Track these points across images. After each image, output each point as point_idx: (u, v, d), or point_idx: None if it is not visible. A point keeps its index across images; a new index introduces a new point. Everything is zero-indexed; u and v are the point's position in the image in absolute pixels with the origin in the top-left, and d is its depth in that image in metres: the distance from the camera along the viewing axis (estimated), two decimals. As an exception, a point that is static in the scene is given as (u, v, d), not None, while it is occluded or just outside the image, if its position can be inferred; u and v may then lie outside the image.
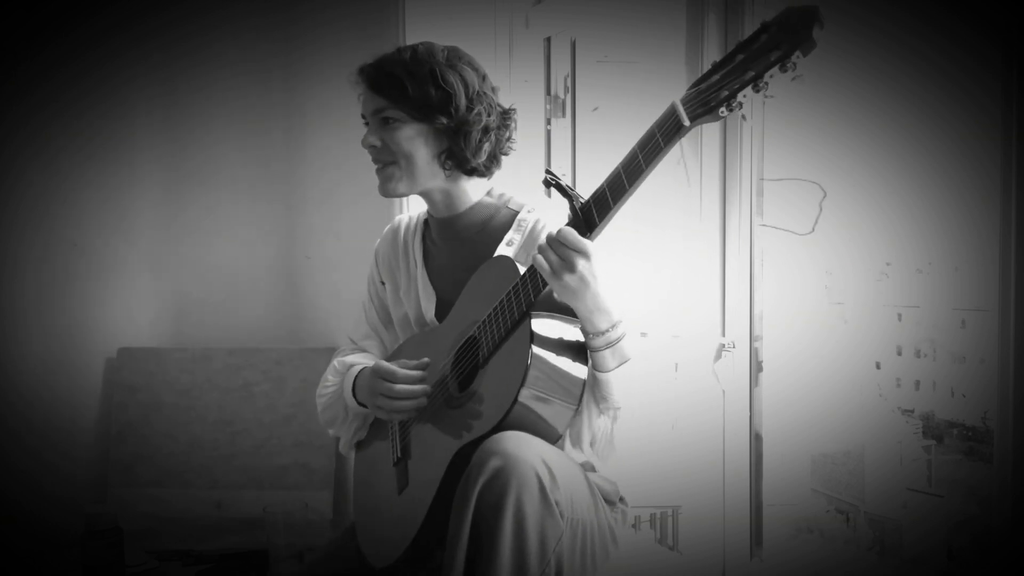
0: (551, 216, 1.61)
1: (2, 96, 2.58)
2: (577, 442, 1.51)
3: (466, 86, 1.60)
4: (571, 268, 1.36)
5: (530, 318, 1.42)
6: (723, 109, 1.26)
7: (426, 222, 1.78)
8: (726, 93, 1.26)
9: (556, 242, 1.37)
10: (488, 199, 1.69)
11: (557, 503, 1.35)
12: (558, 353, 1.42)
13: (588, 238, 1.37)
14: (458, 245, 1.69)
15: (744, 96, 1.25)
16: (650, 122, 1.32)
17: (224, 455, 2.58)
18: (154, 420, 2.61)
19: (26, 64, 2.59)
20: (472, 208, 1.68)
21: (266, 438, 2.59)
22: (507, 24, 2.38)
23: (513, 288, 1.45)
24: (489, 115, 1.62)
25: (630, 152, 1.35)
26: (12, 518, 2.48)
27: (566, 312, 1.45)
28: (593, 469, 1.63)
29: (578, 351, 1.44)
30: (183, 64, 2.71)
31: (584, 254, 1.36)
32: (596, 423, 1.48)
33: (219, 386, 2.64)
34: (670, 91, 1.33)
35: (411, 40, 1.99)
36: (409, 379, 1.59)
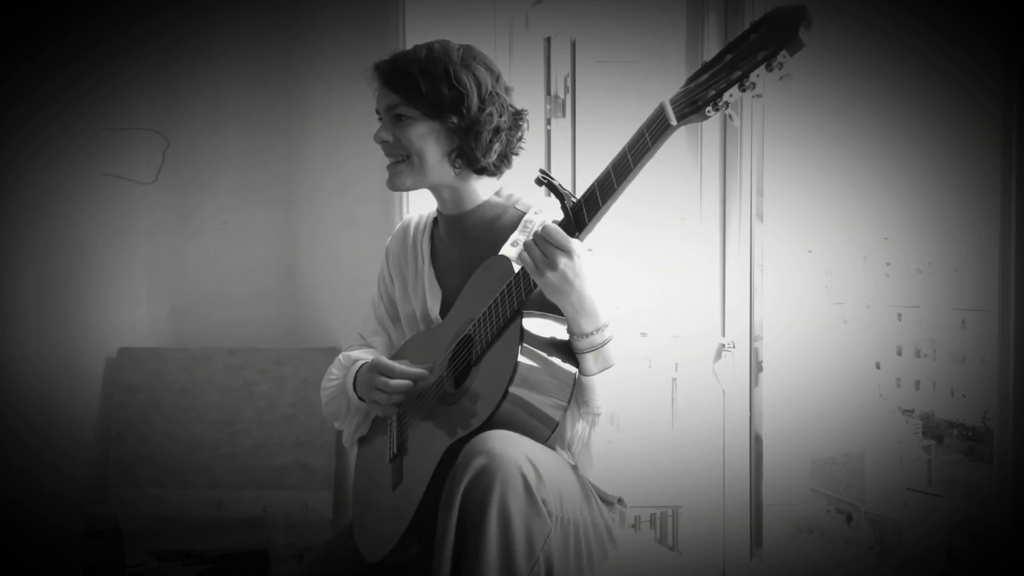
0: (558, 217, 1.61)
1: (2, 96, 2.59)
2: (561, 443, 1.52)
3: (479, 86, 1.60)
4: (552, 265, 1.37)
5: (522, 317, 1.43)
6: (709, 109, 1.26)
7: (435, 220, 1.79)
8: (713, 93, 1.26)
9: (541, 239, 1.38)
10: (496, 199, 1.70)
11: (544, 501, 1.36)
12: (549, 352, 1.43)
13: (578, 237, 1.38)
14: (465, 243, 1.70)
15: (731, 96, 1.25)
16: (649, 122, 1.32)
17: (224, 455, 2.58)
18: (154, 420, 2.61)
19: (26, 64, 2.60)
20: (480, 207, 1.69)
21: (266, 438, 2.59)
22: (507, 24, 2.38)
23: (507, 287, 1.47)
24: (501, 116, 1.62)
25: (619, 152, 1.36)
26: (12, 518, 2.48)
27: (561, 312, 1.45)
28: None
29: (569, 351, 1.45)
30: (183, 64, 2.71)
31: (567, 252, 1.37)
32: (576, 426, 1.49)
33: (219, 386, 2.64)
34: (670, 91, 1.33)
35: (411, 40, 2.00)
36: (405, 376, 1.60)
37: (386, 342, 1.86)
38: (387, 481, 1.64)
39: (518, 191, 1.72)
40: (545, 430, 1.43)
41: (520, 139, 1.68)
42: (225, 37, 2.72)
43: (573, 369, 1.44)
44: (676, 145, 1.86)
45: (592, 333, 1.41)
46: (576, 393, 1.46)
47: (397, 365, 1.61)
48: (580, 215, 1.40)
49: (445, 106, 1.60)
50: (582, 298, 1.39)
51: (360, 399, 1.72)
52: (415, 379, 1.61)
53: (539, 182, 1.45)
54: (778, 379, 2.44)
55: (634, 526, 1.79)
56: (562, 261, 1.37)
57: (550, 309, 1.46)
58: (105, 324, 2.71)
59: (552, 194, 1.44)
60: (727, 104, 1.26)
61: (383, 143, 1.66)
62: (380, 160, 1.70)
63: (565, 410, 1.45)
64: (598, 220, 1.39)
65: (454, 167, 1.65)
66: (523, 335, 1.42)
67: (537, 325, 1.44)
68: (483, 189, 1.69)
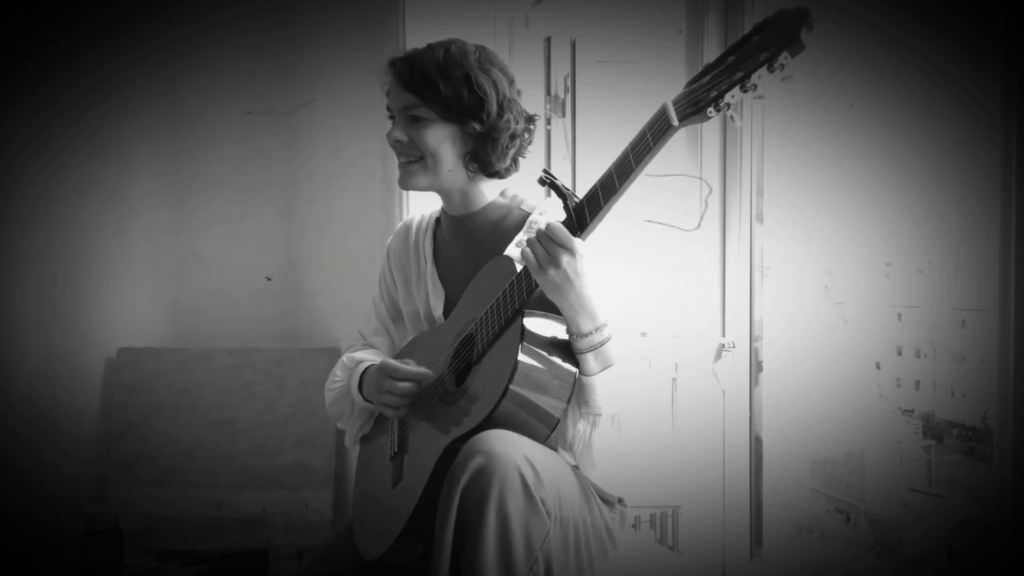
0: (561, 218, 1.62)
1: (2, 96, 2.58)
2: (562, 443, 1.52)
3: (498, 92, 1.61)
4: (556, 263, 1.37)
5: (523, 316, 1.44)
6: (711, 109, 1.27)
7: (438, 220, 1.79)
8: (714, 94, 1.27)
9: (544, 236, 1.39)
10: (501, 200, 1.70)
11: (543, 501, 1.36)
12: (549, 352, 1.44)
13: (579, 237, 1.39)
14: (469, 243, 1.70)
15: (732, 97, 1.26)
16: (650, 123, 1.32)
17: (224, 455, 2.58)
18: (154, 420, 2.61)
19: (26, 64, 2.60)
20: (486, 207, 1.69)
21: (266, 438, 2.59)
22: (507, 24, 2.38)
23: (509, 286, 1.47)
24: (517, 122, 1.63)
25: (622, 152, 1.36)
26: (12, 518, 2.48)
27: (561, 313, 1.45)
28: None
29: (570, 351, 1.45)
30: (183, 64, 2.72)
31: (570, 251, 1.37)
32: (577, 426, 1.49)
33: (219, 386, 2.64)
34: (670, 91, 1.34)
35: (411, 40, 1.99)
36: (413, 377, 1.60)
37: (388, 342, 1.87)
38: (387, 479, 1.65)
39: (521, 191, 1.72)
40: (545, 429, 1.44)
41: (529, 143, 1.69)
42: (225, 37, 2.72)
43: (574, 369, 1.45)
44: (677, 145, 1.85)
45: (591, 333, 1.42)
46: (577, 393, 1.46)
47: (408, 367, 1.61)
48: (582, 215, 1.40)
49: (464, 111, 1.59)
50: (581, 298, 1.40)
51: (367, 401, 1.73)
52: (424, 380, 1.61)
53: (542, 182, 1.46)
54: (778, 379, 2.44)
55: (634, 526, 1.79)
56: (565, 259, 1.37)
57: (551, 309, 1.46)
58: (105, 324, 2.71)
59: (555, 194, 1.44)
60: (729, 105, 1.27)
61: (396, 143, 1.65)
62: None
63: (565, 410, 1.45)
64: (600, 220, 1.39)
65: (468, 170, 1.65)
66: (524, 334, 1.42)
67: (538, 325, 1.45)
68: (489, 190, 1.70)
